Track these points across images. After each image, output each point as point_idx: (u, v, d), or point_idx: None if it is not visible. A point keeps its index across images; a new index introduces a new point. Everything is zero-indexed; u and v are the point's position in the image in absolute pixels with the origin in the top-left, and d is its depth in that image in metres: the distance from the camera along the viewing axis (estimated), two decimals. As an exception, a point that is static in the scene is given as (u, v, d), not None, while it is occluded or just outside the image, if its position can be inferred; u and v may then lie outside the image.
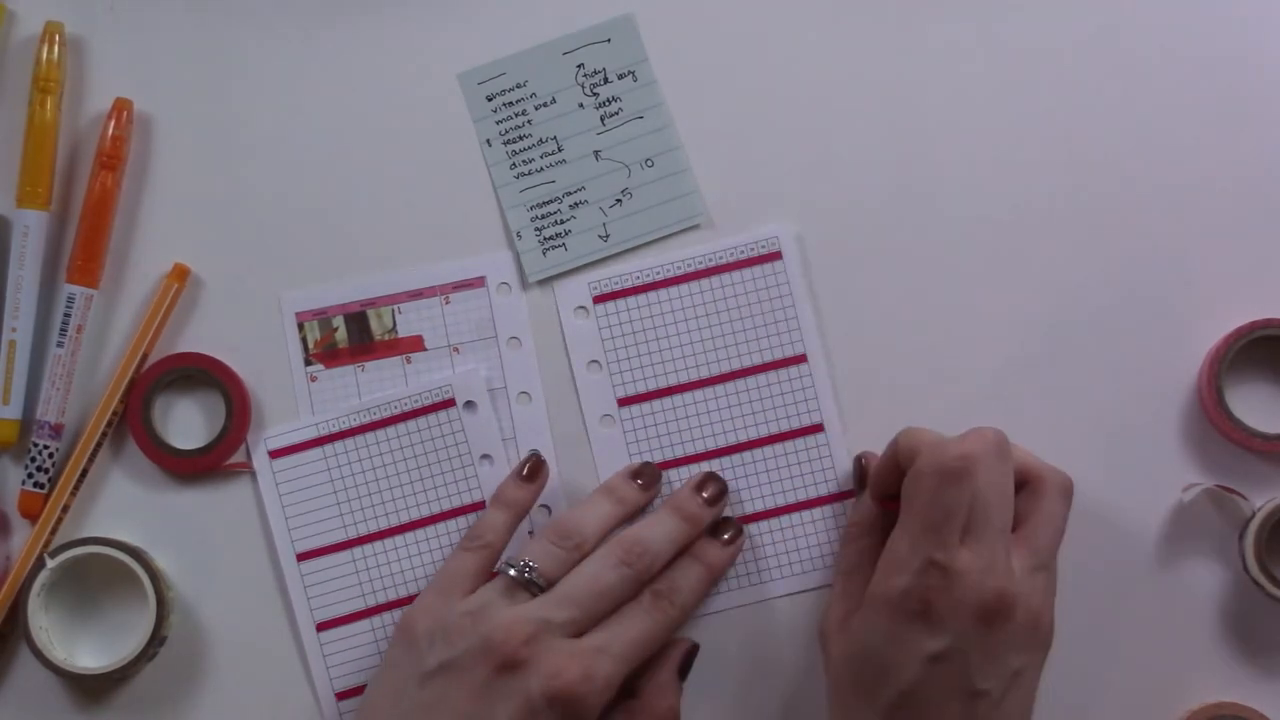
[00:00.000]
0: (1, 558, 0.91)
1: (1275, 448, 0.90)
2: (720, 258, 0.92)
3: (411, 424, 0.92)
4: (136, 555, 0.89)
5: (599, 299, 0.92)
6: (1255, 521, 0.88)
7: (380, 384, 0.93)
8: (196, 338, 0.93)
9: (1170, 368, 0.92)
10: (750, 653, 0.92)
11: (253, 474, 0.92)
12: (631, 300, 0.92)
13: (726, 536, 0.90)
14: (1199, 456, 0.91)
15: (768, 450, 0.92)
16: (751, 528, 0.92)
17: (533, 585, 0.85)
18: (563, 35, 0.93)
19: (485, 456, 0.92)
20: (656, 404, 0.92)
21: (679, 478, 0.92)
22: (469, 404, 0.92)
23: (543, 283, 0.93)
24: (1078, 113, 0.93)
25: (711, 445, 0.92)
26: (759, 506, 0.92)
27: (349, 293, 0.93)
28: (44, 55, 0.92)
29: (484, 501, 0.92)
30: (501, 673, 0.82)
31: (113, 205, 0.92)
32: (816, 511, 0.92)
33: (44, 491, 0.91)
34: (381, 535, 0.92)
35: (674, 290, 0.92)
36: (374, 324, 0.93)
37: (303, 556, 0.92)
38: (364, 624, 0.92)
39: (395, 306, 0.93)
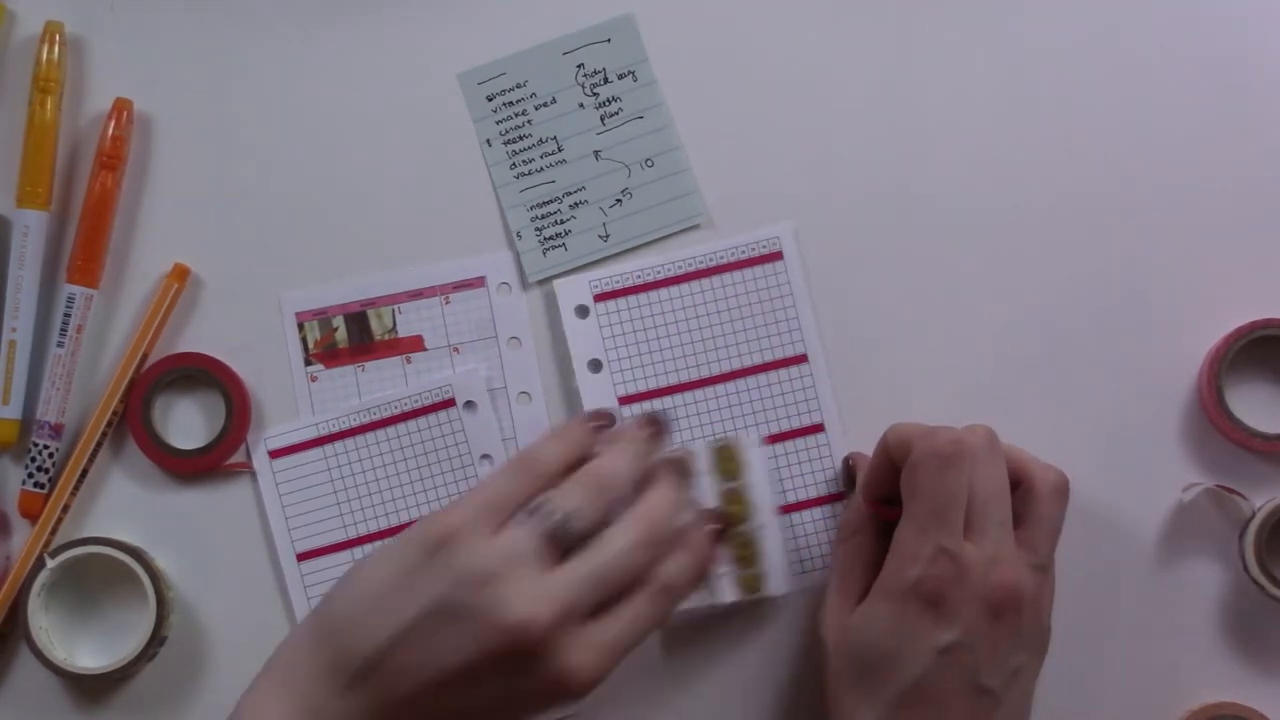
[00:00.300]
0: (1, 558, 0.91)
1: (1275, 448, 0.90)
2: (721, 257, 0.92)
3: (412, 424, 0.92)
4: (136, 555, 0.89)
5: (600, 298, 0.92)
6: (1255, 521, 0.88)
7: (380, 384, 0.93)
8: (196, 338, 0.93)
9: (1170, 368, 0.92)
10: (751, 652, 0.92)
11: (253, 474, 0.92)
12: (632, 299, 0.92)
13: (711, 530, 0.86)
14: (1199, 456, 0.91)
15: (769, 450, 0.92)
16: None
17: (569, 540, 0.79)
18: (563, 35, 0.93)
19: (485, 456, 0.92)
20: (657, 403, 0.92)
21: (680, 478, 0.92)
22: (469, 404, 0.92)
23: (543, 282, 0.93)
24: (1078, 112, 0.93)
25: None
26: (759, 506, 0.92)
27: (349, 293, 0.93)
28: (44, 55, 0.92)
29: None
30: (516, 652, 0.78)
31: (113, 205, 0.92)
32: (817, 511, 0.92)
33: (44, 491, 0.91)
34: (381, 535, 0.92)
35: (675, 289, 0.92)
36: (374, 324, 0.93)
37: (303, 556, 0.92)
38: (364, 624, 0.92)
39: (395, 306, 0.93)
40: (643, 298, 0.92)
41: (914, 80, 0.93)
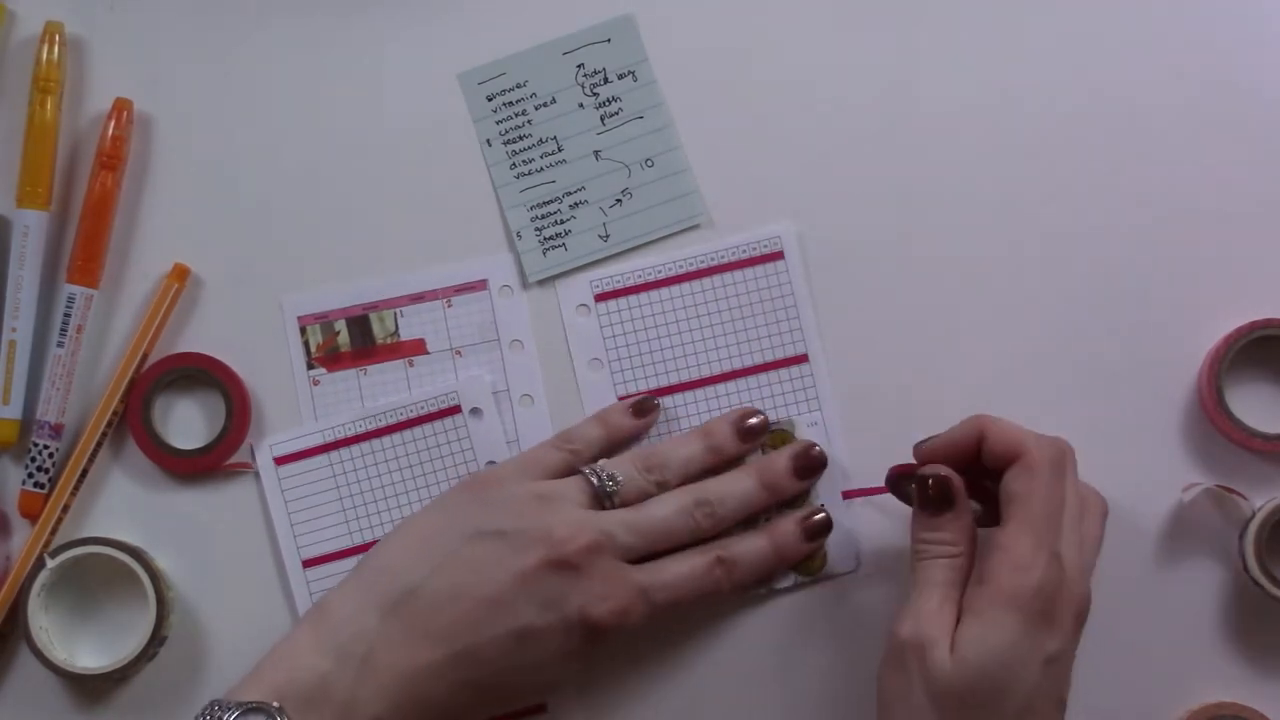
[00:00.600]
0: (1, 558, 0.91)
1: (1275, 448, 0.90)
2: (722, 257, 0.92)
3: (417, 430, 0.92)
4: (136, 555, 0.89)
5: (601, 297, 0.92)
6: (1255, 521, 0.88)
7: (383, 387, 0.93)
8: (196, 338, 0.93)
9: (1170, 368, 0.92)
10: (754, 650, 0.92)
11: (255, 474, 0.92)
12: (633, 299, 0.92)
13: (811, 525, 0.89)
14: (1199, 456, 0.91)
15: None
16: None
17: (608, 498, 0.86)
18: (563, 35, 0.93)
19: (491, 463, 0.92)
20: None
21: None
22: (475, 410, 0.92)
23: (544, 283, 0.93)
24: (1078, 113, 0.93)
25: (713, 445, 0.92)
26: (758, 505, 0.92)
27: (351, 296, 0.92)
28: (44, 55, 0.91)
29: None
30: (550, 568, 0.83)
31: (113, 205, 0.92)
32: (817, 511, 0.92)
33: (44, 491, 0.91)
34: (387, 541, 0.92)
35: (676, 289, 0.92)
36: (376, 327, 0.93)
37: (308, 563, 0.92)
38: (369, 630, 0.92)
39: (397, 310, 0.92)
40: (644, 297, 0.92)
41: (914, 79, 0.93)
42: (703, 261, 0.92)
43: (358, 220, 0.93)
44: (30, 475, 0.91)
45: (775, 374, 0.92)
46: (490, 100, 0.93)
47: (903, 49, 0.93)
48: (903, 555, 0.89)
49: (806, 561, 0.90)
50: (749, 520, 0.89)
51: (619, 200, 0.93)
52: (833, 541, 0.90)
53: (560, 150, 0.93)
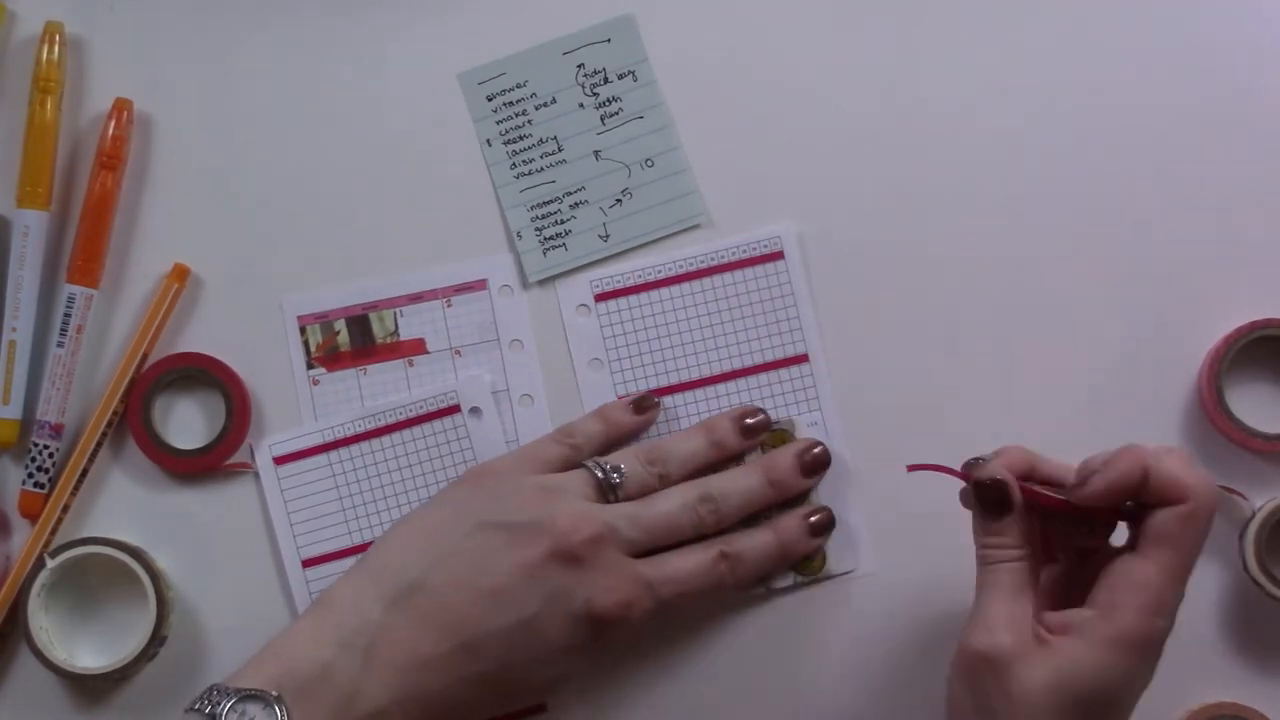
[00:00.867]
0: (1, 558, 0.91)
1: (1275, 448, 0.90)
2: (722, 257, 0.92)
3: (417, 430, 0.92)
4: (136, 555, 0.89)
5: (601, 297, 0.92)
6: (1255, 521, 0.88)
7: (382, 387, 0.93)
8: (196, 338, 0.93)
9: (1170, 368, 0.92)
10: (754, 650, 0.92)
11: (255, 474, 0.92)
12: (633, 299, 0.92)
13: (816, 522, 0.90)
14: (1199, 456, 0.91)
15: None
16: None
17: (611, 491, 0.86)
18: (563, 35, 0.93)
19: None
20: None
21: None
22: (474, 410, 0.92)
23: (544, 283, 0.93)
24: (1079, 113, 0.93)
25: (712, 445, 0.92)
26: (758, 505, 0.92)
27: (350, 296, 0.92)
28: (44, 55, 0.91)
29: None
30: (555, 559, 0.83)
31: (113, 205, 0.92)
32: (816, 511, 0.92)
33: (44, 491, 0.91)
34: (387, 540, 0.92)
35: (676, 289, 0.92)
36: (376, 327, 0.93)
37: (308, 563, 0.92)
38: (369, 628, 0.92)
39: (397, 310, 0.92)
40: (644, 297, 0.92)
41: (915, 79, 0.93)
42: (703, 261, 0.92)
43: (358, 220, 0.93)
44: (30, 475, 0.91)
45: (775, 374, 0.92)
46: (490, 100, 0.93)
47: (903, 49, 0.93)
48: (902, 555, 0.89)
49: (806, 561, 0.90)
50: (749, 519, 0.89)
51: (619, 200, 0.93)
52: (832, 542, 0.91)
53: (560, 150, 0.93)
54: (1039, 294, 0.92)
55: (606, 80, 0.93)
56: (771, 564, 0.89)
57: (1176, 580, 0.76)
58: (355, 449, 0.92)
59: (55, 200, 0.92)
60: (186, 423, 0.93)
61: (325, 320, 0.92)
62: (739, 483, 0.88)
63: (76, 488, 0.91)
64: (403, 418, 0.92)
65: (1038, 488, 0.80)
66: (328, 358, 0.92)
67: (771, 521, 0.90)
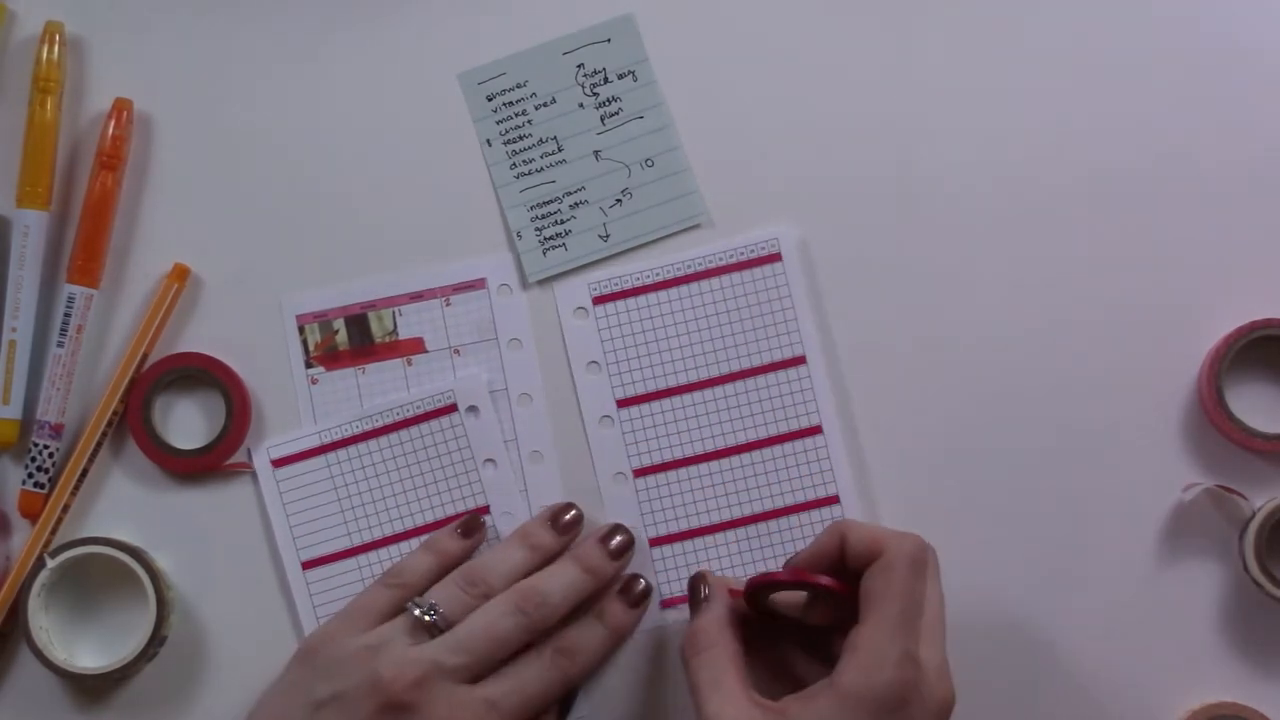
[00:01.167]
0: (1, 558, 0.91)
1: (1275, 448, 0.90)
2: (720, 259, 0.92)
3: (414, 430, 0.92)
4: (136, 555, 0.89)
5: (598, 300, 0.92)
6: (1255, 521, 0.88)
7: (381, 386, 0.93)
8: (196, 338, 0.93)
9: (1170, 368, 0.92)
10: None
11: (253, 474, 0.92)
12: (631, 301, 0.92)
13: (634, 595, 0.90)
14: (1199, 456, 0.91)
15: (766, 452, 0.92)
16: (748, 530, 0.92)
17: (434, 628, 0.85)
18: (563, 35, 0.93)
19: (489, 461, 0.92)
20: (655, 405, 0.92)
21: (680, 479, 0.92)
22: (471, 409, 0.92)
23: (543, 283, 0.93)
24: (1079, 114, 0.93)
25: (710, 447, 0.92)
26: (756, 509, 0.92)
27: (349, 295, 0.93)
28: (44, 55, 0.92)
29: (488, 507, 0.92)
30: (385, 712, 0.82)
31: (113, 205, 0.92)
32: (814, 514, 0.92)
33: (44, 491, 0.91)
34: (386, 542, 0.92)
35: (673, 291, 0.92)
36: (375, 326, 0.93)
37: (308, 565, 0.92)
38: (369, 630, 0.92)
39: (396, 309, 0.93)
40: (641, 300, 0.92)
41: (915, 80, 0.93)
42: (700, 264, 0.92)
43: (357, 219, 0.93)
44: (30, 475, 0.91)
45: (773, 376, 0.92)
46: (490, 100, 0.94)
47: (904, 51, 0.93)
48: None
49: None
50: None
51: (619, 200, 0.93)
52: None
53: (560, 150, 0.93)
54: (1038, 294, 0.92)
55: (606, 80, 0.93)
56: (606, 648, 0.89)
57: (896, 631, 0.77)
58: (353, 450, 0.92)
59: (55, 200, 0.92)
60: (186, 423, 0.93)
61: (324, 319, 0.93)
62: (558, 577, 0.88)
63: (76, 488, 0.91)
64: (400, 418, 0.92)
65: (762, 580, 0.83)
66: (326, 357, 0.93)
67: (596, 608, 0.89)
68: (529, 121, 0.93)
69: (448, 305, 0.93)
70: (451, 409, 0.92)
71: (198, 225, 0.93)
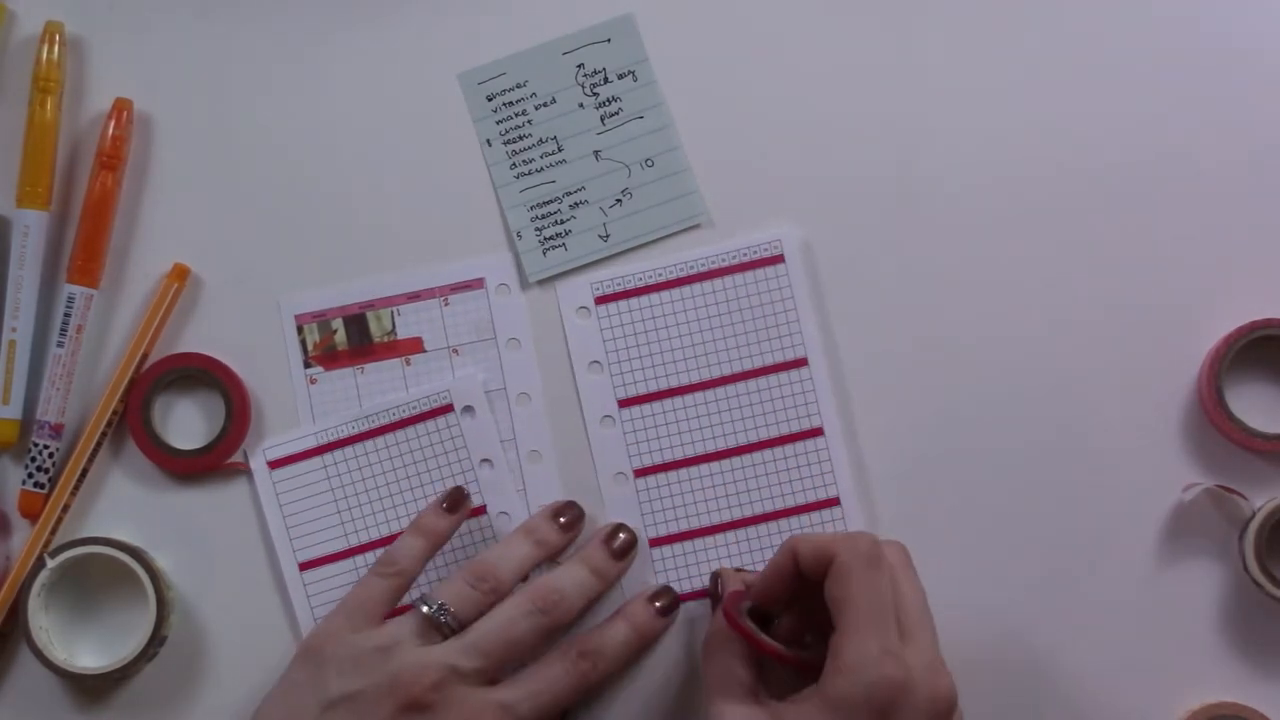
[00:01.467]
0: (1, 558, 0.91)
1: (1275, 448, 0.90)
2: (722, 260, 0.92)
3: (410, 430, 0.92)
4: (136, 555, 0.89)
5: (601, 300, 0.92)
6: (1255, 521, 0.88)
7: (380, 386, 0.93)
8: (196, 338, 0.93)
9: (1170, 368, 0.92)
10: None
11: (251, 474, 0.92)
12: (634, 301, 0.92)
13: (660, 604, 0.90)
14: (1199, 456, 0.91)
15: (768, 454, 0.92)
16: (750, 531, 0.92)
17: (445, 627, 0.85)
18: (563, 35, 0.93)
19: (485, 461, 0.92)
20: (657, 405, 0.92)
21: (681, 480, 0.92)
22: (467, 409, 0.92)
23: (544, 283, 0.93)
24: (1078, 114, 0.93)
25: (711, 448, 0.92)
26: (758, 510, 0.92)
27: (348, 295, 0.92)
28: (44, 55, 0.92)
29: (485, 506, 0.92)
30: (403, 714, 0.82)
31: (113, 205, 0.92)
32: (815, 515, 0.92)
33: (44, 491, 0.91)
34: (383, 543, 0.92)
35: (676, 292, 0.92)
36: (373, 326, 0.93)
37: (305, 566, 0.92)
38: (369, 632, 0.92)
39: (394, 309, 0.93)
40: (644, 300, 0.92)
41: (916, 80, 0.93)
42: (703, 265, 0.92)
43: (357, 220, 0.93)
44: (30, 475, 0.91)
45: (775, 378, 0.92)
46: (490, 100, 0.93)
47: (905, 51, 0.93)
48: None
49: None
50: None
51: (619, 200, 0.93)
52: None
53: (560, 150, 0.93)
54: (1038, 295, 0.92)
55: (606, 80, 0.93)
56: (629, 652, 0.89)
57: (869, 632, 0.76)
58: (350, 450, 0.92)
59: (55, 200, 0.92)
60: (186, 423, 0.93)
61: (323, 319, 0.93)
62: (570, 575, 0.88)
63: (76, 488, 0.91)
64: (396, 419, 0.92)
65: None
66: (325, 357, 0.93)
67: (622, 610, 0.89)
68: (529, 121, 0.93)
69: (446, 305, 0.93)
70: (448, 409, 0.92)
71: (198, 225, 0.93)
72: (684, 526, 0.92)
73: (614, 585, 0.91)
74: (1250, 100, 0.92)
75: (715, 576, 0.90)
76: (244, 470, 0.92)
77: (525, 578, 0.89)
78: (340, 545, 0.92)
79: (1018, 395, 0.91)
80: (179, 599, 0.92)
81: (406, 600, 0.88)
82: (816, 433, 0.92)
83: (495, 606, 0.86)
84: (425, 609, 0.85)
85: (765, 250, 0.92)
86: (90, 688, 0.92)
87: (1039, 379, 0.92)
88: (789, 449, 0.92)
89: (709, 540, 0.92)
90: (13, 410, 0.91)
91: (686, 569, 0.92)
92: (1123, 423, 0.91)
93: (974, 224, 0.92)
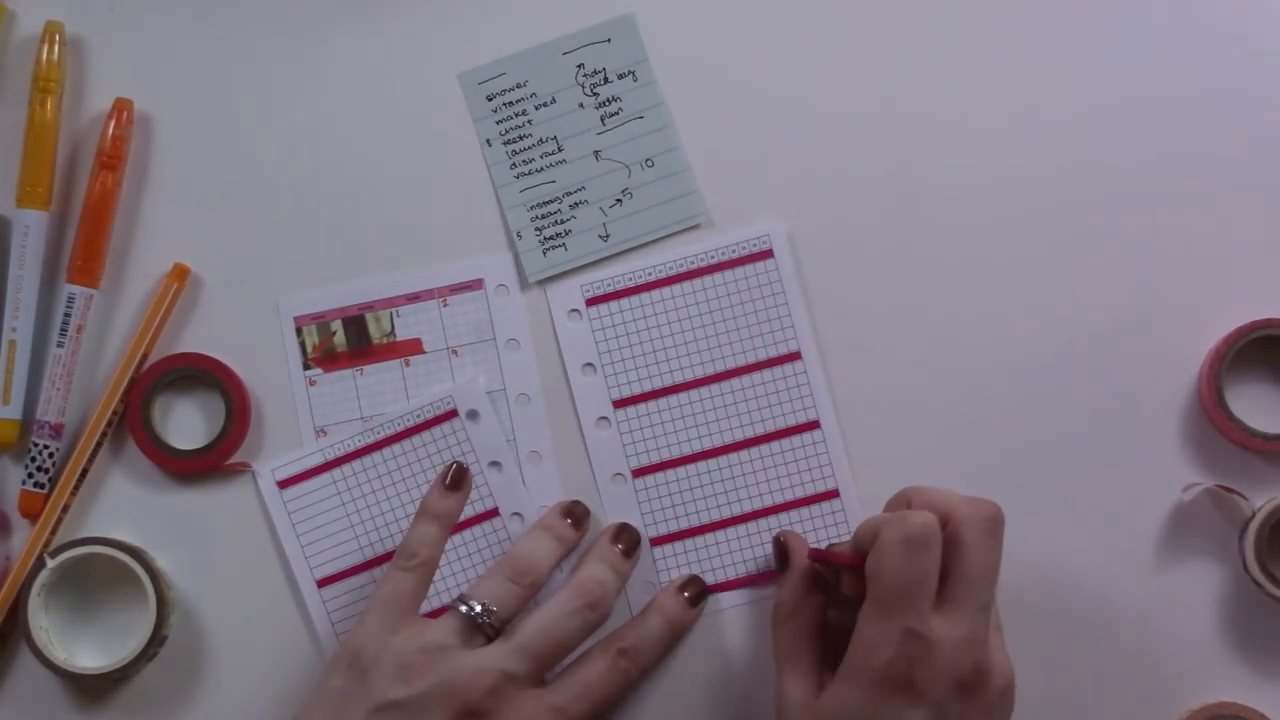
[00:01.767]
0: (1, 558, 0.91)
1: (1275, 448, 0.90)
2: (712, 257, 0.92)
3: (417, 439, 0.92)
4: (136, 555, 0.89)
5: (591, 301, 0.92)
6: (1255, 521, 0.88)
7: (379, 387, 0.93)
8: (196, 338, 0.93)
9: (1170, 368, 0.91)
10: (749, 649, 0.92)
11: (253, 474, 0.92)
12: (624, 302, 0.92)
13: (690, 594, 0.90)
14: (1199, 456, 0.91)
15: (764, 448, 0.92)
16: (750, 526, 0.92)
17: (488, 627, 0.84)
18: (563, 35, 0.93)
19: (494, 463, 0.92)
20: (652, 405, 0.92)
21: (679, 478, 0.92)
22: (471, 413, 0.92)
23: (538, 285, 0.93)
24: (1077, 112, 0.93)
25: (707, 445, 0.92)
26: (756, 504, 0.92)
27: (347, 296, 0.92)
28: (44, 55, 0.92)
29: (496, 509, 0.92)
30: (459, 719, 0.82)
31: (113, 205, 0.92)
32: (814, 509, 0.92)
33: (44, 491, 0.91)
34: (399, 553, 0.92)
35: (667, 291, 0.92)
36: (372, 327, 0.93)
37: (323, 582, 0.92)
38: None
39: (393, 310, 0.93)
40: (635, 300, 0.92)
41: (914, 80, 0.93)
42: (693, 262, 0.92)
43: (357, 220, 0.93)
44: (30, 475, 0.91)
45: (769, 372, 0.92)
46: (490, 100, 0.94)
47: (903, 48, 0.93)
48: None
49: None
50: None
51: (619, 200, 0.93)
52: None
53: (560, 150, 0.93)
54: (1037, 294, 0.92)
55: (606, 80, 0.93)
56: (665, 646, 0.89)
57: (877, 612, 0.78)
58: (358, 464, 0.92)
59: (55, 200, 0.92)
60: (186, 423, 0.93)
61: (322, 321, 0.93)
62: (603, 572, 0.88)
63: (76, 488, 0.91)
64: (401, 428, 0.92)
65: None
66: (324, 358, 0.93)
67: (651, 604, 0.90)
68: (529, 121, 0.93)
69: (445, 306, 0.93)
70: (452, 414, 0.92)
71: (198, 225, 0.93)
72: (684, 525, 0.92)
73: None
74: (1250, 100, 0.92)
75: (778, 541, 0.90)
76: (245, 470, 0.92)
77: None
78: (356, 559, 0.92)
79: (1017, 394, 0.91)
80: (179, 599, 0.92)
81: (439, 602, 0.89)
82: (813, 426, 0.92)
83: (537, 611, 0.86)
84: (466, 609, 0.85)
85: (754, 245, 0.92)
86: (90, 688, 0.92)
87: (1038, 378, 0.92)
88: (786, 443, 0.92)
89: (709, 538, 0.92)
90: (13, 410, 0.91)
91: (688, 567, 0.92)
92: (1123, 423, 0.91)
93: (974, 223, 0.92)
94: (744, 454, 0.92)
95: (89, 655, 0.91)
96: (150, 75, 0.94)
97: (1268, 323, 0.89)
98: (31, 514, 0.91)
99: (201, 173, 0.93)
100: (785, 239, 0.92)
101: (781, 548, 0.89)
